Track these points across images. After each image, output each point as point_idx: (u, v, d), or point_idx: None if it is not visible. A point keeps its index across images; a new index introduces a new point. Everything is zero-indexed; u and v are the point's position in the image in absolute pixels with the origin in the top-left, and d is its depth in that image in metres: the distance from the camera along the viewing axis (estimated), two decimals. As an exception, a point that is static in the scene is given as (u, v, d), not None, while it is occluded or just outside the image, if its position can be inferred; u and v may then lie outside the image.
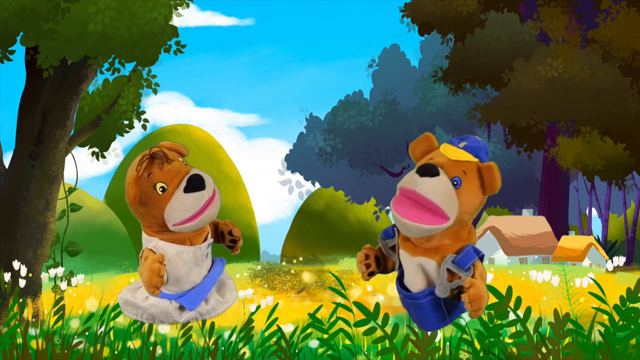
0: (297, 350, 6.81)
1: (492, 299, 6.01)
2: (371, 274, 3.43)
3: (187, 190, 3.25)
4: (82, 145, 12.87)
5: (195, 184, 3.26)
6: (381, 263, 3.43)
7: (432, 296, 3.22)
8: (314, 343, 6.94)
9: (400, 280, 3.34)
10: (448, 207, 3.08)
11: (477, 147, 3.18)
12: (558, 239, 21.44)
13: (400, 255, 3.28)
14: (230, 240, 3.57)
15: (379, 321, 5.90)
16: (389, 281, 3.55)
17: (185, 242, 3.37)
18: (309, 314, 6.57)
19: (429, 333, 6.06)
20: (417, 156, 3.25)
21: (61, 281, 12.18)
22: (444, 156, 3.15)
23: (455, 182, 3.11)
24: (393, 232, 3.33)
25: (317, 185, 29.09)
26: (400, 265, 3.32)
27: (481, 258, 3.20)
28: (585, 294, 7.12)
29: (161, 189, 3.27)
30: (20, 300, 8.25)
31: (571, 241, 20.70)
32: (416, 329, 6.12)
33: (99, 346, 7.21)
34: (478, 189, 3.16)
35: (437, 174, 3.07)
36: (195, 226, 3.29)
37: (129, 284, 3.60)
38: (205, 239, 3.45)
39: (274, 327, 6.81)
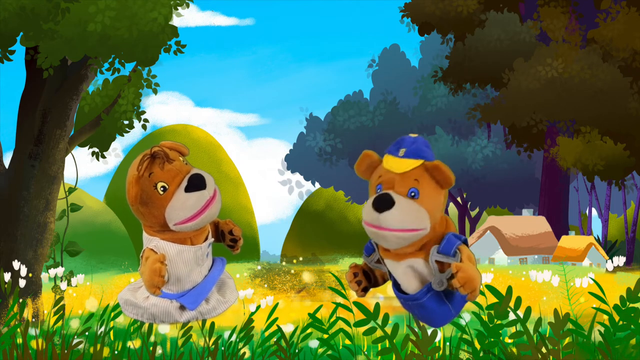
0: (297, 350, 6.81)
1: (492, 299, 6.01)
2: (365, 290, 3.45)
3: (188, 189, 3.26)
4: (82, 145, 12.86)
5: (196, 183, 3.26)
6: (371, 277, 3.46)
7: (431, 292, 3.23)
8: (314, 343, 6.93)
9: (397, 287, 3.36)
10: (419, 222, 3.11)
11: (416, 148, 3.19)
12: (558, 239, 21.44)
13: (387, 263, 3.30)
14: (231, 239, 3.57)
15: (379, 321, 5.90)
16: (388, 282, 3.57)
17: (186, 241, 3.38)
18: (309, 314, 6.57)
19: (430, 333, 6.06)
20: (365, 175, 3.27)
21: (61, 281, 12.17)
22: (390, 172, 3.17)
23: (412, 194, 3.13)
24: (372, 245, 3.35)
25: (317, 185, 29.10)
26: (392, 274, 3.34)
27: (464, 242, 3.21)
28: (585, 294, 7.12)
29: (162, 189, 3.27)
30: (20, 300, 8.25)
31: (571, 241, 20.70)
32: (416, 329, 6.13)
33: (99, 346, 7.21)
34: (435, 188, 3.18)
35: (392, 203, 3.09)
36: (196, 225, 3.29)
37: (130, 284, 3.60)
38: (206, 239, 3.45)
39: (274, 327, 6.81)
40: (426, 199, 3.13)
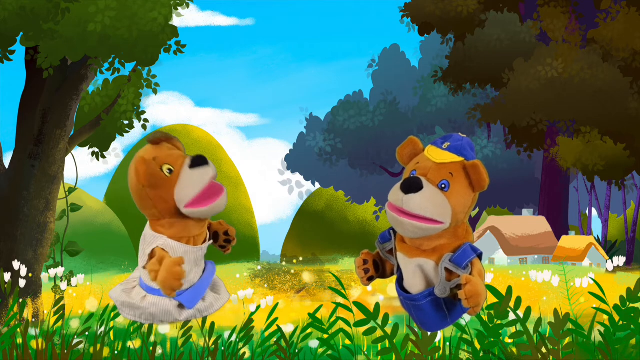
0: (297, 350, 6.81)
1: (492, 299, 6.01)
2: (370, 279, 3.44)
3: (192, 166, 3.33)
4: (82, 145, 12.87)
5: (198, 161, 3.34)
6: (380, 267, 3.44)
7: (432, 297, 3.22)
8: (314, 343, 6.93)
9: (399, 283, 3.34)
10: (440, 214, 3.10)
11: (461, 145, 3.20)
12: (558, 239, 21.44)
13: (398, 257, 3.29)
14: (225, 240, 3.60)
15: (379, 321, 5.90)
16: (389, 281, 3.56)
17: (190, 241, 3.40)
18: (309, 314, 6.57)
19: (429, 333, 6.05)
20: (404, 160, 3.28)
21: (61, 281, 12.18)
22: (429, 160, 3.17)
23: (443, 186, 3.13)
24: (390, 235, 3.34)
25: (317, 185, 29.09)
26: (399, 268, 3.32)
27: (479, 256, 3.20)
28: (585, 294, 7.11)
29: (168, 171, 3.33)
30: (20, 300, 8.24)
31: (571, 241, 20.70)
32: (416, 329, 6.12)
33: (99, 346, 7.21)
34: (467, 188, 3.17)
35: (420, 187, 3.09)
36: (208, 211, 3.33)
37: (120, 284, 3.60)
38: (204, 241, 3.48)
39: (274, 327, 6.81)
40: (454, 195, 3.13)
